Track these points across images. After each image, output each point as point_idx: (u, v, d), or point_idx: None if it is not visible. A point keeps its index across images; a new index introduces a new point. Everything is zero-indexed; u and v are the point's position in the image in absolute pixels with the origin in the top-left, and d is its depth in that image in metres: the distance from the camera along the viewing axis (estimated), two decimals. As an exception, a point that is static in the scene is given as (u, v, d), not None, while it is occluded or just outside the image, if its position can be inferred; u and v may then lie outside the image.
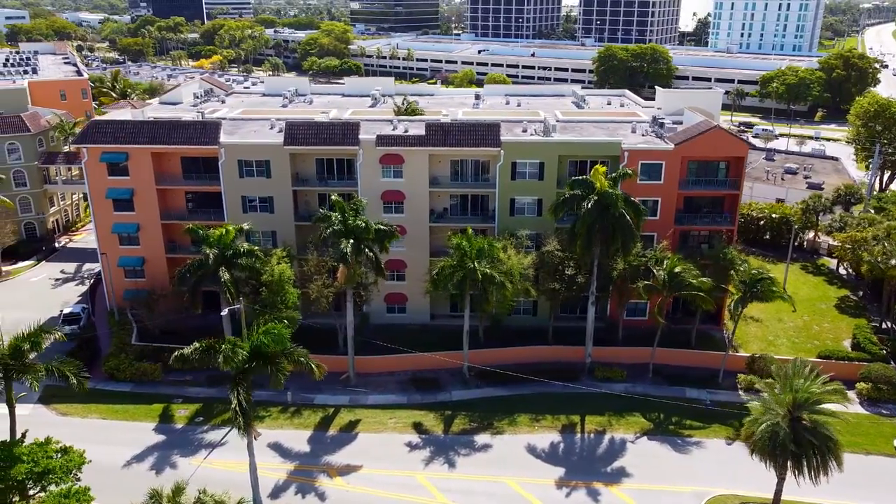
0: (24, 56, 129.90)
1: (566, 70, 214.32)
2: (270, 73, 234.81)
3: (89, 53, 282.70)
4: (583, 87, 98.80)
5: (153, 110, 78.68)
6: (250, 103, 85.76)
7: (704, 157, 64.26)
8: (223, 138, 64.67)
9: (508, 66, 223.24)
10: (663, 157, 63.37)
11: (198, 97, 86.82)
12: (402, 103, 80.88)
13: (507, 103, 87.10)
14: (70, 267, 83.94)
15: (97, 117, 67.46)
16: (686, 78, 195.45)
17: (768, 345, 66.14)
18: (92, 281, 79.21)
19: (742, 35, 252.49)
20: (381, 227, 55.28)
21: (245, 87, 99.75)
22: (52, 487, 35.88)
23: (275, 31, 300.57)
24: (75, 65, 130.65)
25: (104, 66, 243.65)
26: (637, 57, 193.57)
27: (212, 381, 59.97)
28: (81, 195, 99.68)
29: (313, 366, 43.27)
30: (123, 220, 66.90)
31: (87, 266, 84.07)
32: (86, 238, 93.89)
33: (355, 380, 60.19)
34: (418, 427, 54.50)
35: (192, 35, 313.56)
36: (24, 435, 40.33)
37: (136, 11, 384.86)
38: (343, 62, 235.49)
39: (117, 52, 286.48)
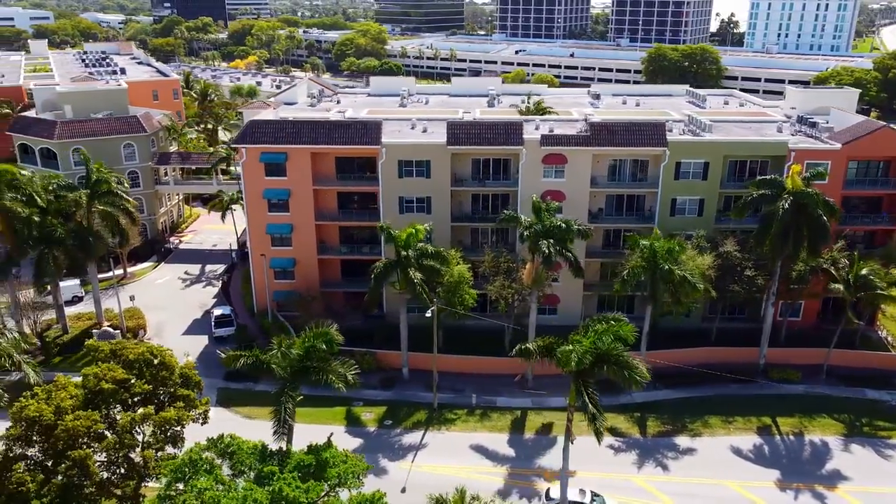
0: (100, 56, 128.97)
1: (610, 70, 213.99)
2: (311, 73, 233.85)
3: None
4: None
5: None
6: (366, 103, 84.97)
7: (870, 157, 63.85)
8: (383, 138, 64.01)
9: (550, 66, 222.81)
10: (829, 156, 62.89)
11: (314, 97, 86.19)
12: (521, 103, 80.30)
13: (625, 103, 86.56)
14: (190, 268, 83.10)
15: (255, 118, 66.54)
16: (735, 78, 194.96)
17: (929, 345, 65.85)
18: (222, 282, 78.47)
19: (779, 35, 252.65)
20: (580, 227, 54.69)
21: (349, 89, 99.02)
22: (345, 492, 35.15)
23: (304, 31, 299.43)
24: (149, 65, 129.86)
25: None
26: (687, 57, 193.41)
27: (385, 384, 59.36)
28: (183, 196, 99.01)
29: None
30: (278, 221, 66.15)
31: (208, 267, 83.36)
32: (193, 239, 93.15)
33: (536, 382, 59.58)
34: (613, 430, 53.91)
35: (220, 36, 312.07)
36: (329, 441, 37.31)
37: (159, 12, 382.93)
38: (383, 63, 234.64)
39: (148, 52, 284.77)
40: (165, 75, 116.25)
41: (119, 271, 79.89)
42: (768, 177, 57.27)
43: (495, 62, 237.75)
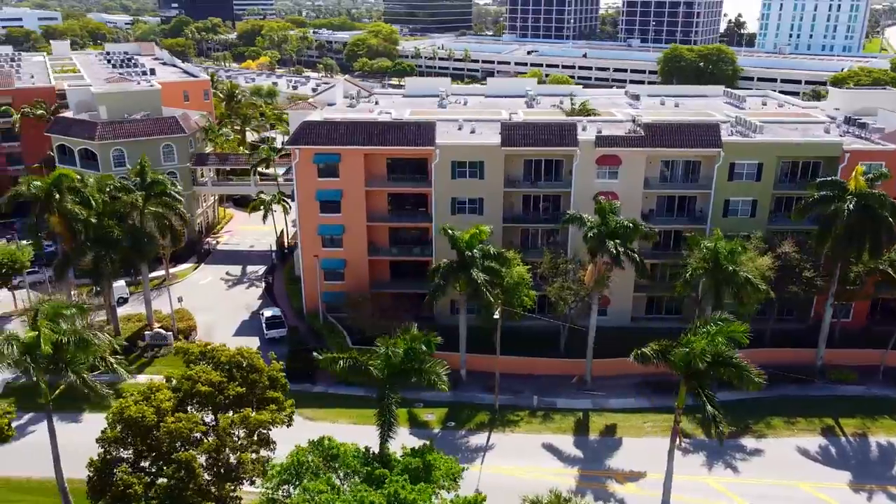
0: (125, 57, 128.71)
1: (625, 71, 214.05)
2: (324, 74, 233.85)
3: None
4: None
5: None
6: (405, 104, 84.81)
7: (924, 158, 63.88)
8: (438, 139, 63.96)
9: (564, 66, 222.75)
10: (885, 157, 62.89)
11: (353, 97, 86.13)
12: (560, 103, 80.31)
13: (663, 103, 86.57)
14: (231, 269, 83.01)
15: (309, 118, 66.42)
16: (751, 79, 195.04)
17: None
18: (265, 283, 78.36)
19: (790, 36, 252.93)
20: (645, 228, 54.69)
21: (384, 90, 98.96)
22: (444, 494, 35.08)
23: (314, 32, 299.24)
24: (174, 65, 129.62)
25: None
26: (703, 57, 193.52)
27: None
28: (217, 197, 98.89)
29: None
30: (329, 222, 66.07)
31: (249, 268, 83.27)
32: (229, 240, 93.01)
33: (594, 384, 59.58)
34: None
35: (229, 36, 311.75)
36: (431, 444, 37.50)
37: (166, 12, 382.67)
38: (396, 63, 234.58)
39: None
40: (194, 76, 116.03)
41: (161, 272, 79.64)
42: (829, 178, 57.23)
43: (508, 63, 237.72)
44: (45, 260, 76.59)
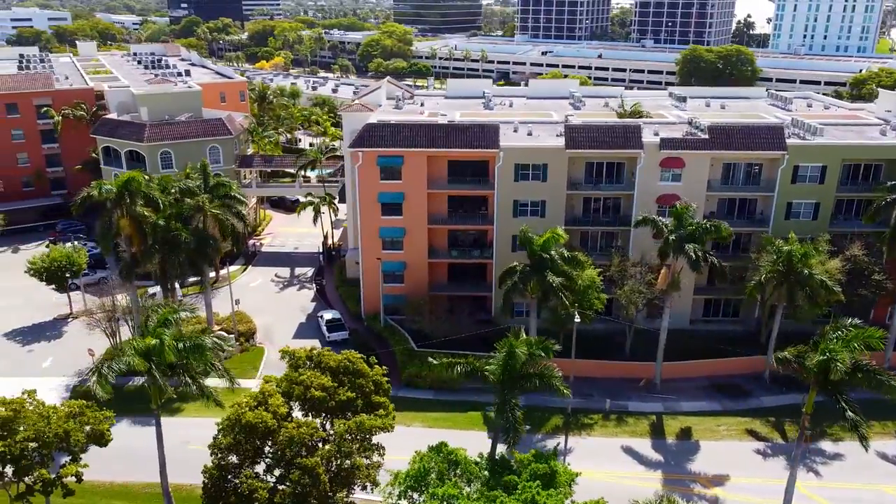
0: (155, 58, 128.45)
1: (642, 72, 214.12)
2: (339, 75, 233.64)
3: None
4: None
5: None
6: (450, 105, 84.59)
7: None
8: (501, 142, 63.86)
9: (580, 67, 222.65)
10: (949, 159, 62.99)
11: (400, 99, 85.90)
12: (605, 105, 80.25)
13: (708, 105, 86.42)
14: (279, 271, 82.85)
15: (371, 121, 66.24)
16: (770, 80, 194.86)
17: None
18: (317, 286, 78.21)
19: (805, 37, 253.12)
20: (730, 230, 54.67)
21: (427, 91, 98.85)
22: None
23: (325, 32, 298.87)
24: (203, 66, 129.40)
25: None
26: (723, 58, 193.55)
27: (513, 389, 59.12)
28: (257, 199, 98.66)
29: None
30: (390, 225, 65.94)
31: (297, 270, 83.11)
32: (272, 241, 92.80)
33: (660, 386, 59.53)
34: (755, 434, 53.90)
35: (241, 37, 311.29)
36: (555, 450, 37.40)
37: (174, 13, 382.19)
38: (412, 64, 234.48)
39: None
40: (229, 77, 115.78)
41: (210, 275, 79.49)
42: (902, 181, 57.28)
43: (524, 63, 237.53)
44: (92, 262, 76.37)
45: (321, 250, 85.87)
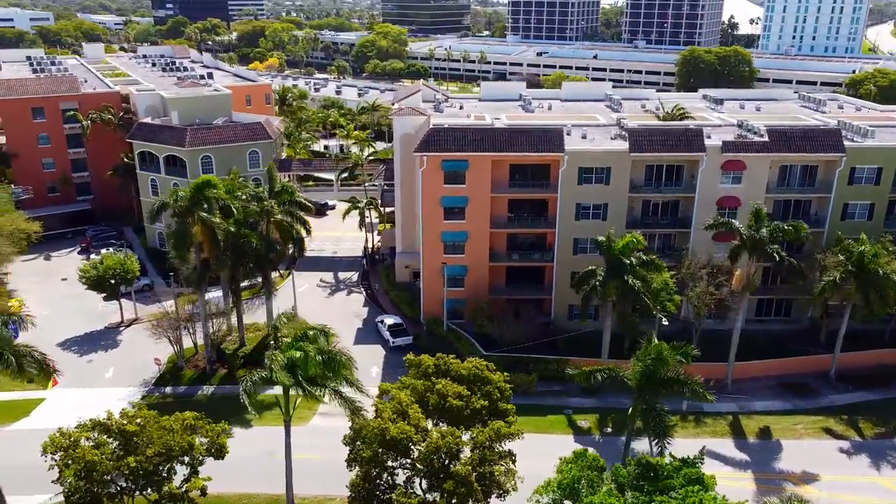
0: (169, 60, 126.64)
1: (640, 72, 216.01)
2: (336, 76, 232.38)
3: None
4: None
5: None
6: (489, 108, 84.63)
7: None
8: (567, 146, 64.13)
9: (578, 68, 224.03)
10: None
11: (438, 102, 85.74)
12: (642, 108, 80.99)
13: (743, 107, 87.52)
14: (323, 276, 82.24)
15: (434, 125, 66.00)
16: (766, 80, 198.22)
17: None
18: (367, 291, 77.76)
19: (794, 38, 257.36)
20: (808, 230, 55.49)
21: (460, 94, 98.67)
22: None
23: (318, 33, 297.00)
24: (218, 68, 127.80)
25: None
26: (721, 59, 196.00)
27: (587, 391, 59.36)
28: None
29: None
30: (453, 229, 65.90)
31: (341, 274, 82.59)
32: (309, 245, 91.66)
33: (732, 387, 60.23)
34: (831, 432, 54.80)
35: (229, 37, 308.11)
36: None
37: (159, 12, 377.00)
38: (409, 65, 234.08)
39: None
40: (251, 80, 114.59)
41: (256, 281, 78.66)
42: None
43: (520, 64, 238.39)
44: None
45: (364, 254, 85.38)
